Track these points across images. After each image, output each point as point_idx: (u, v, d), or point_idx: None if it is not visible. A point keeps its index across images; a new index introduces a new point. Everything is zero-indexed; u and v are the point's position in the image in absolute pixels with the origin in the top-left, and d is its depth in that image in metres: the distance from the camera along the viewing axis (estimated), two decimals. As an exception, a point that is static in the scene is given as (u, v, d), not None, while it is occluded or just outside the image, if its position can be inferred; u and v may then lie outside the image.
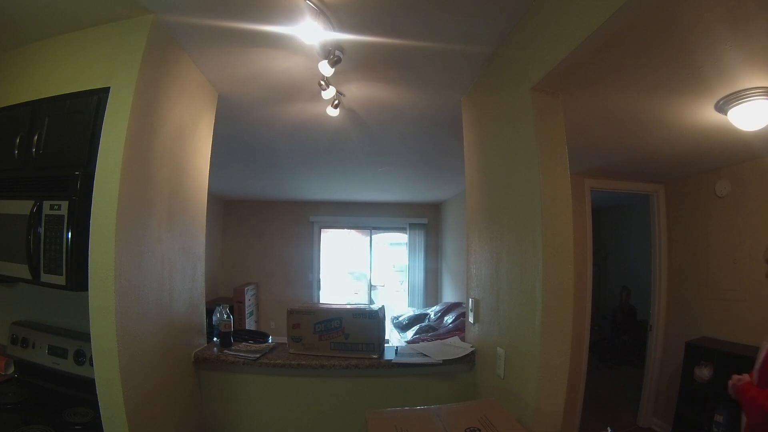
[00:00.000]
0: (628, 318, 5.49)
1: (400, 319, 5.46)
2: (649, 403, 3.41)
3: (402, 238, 7.52)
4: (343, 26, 1.61)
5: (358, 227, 7.54)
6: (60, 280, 1.41)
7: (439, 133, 2.97)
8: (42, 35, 1.66)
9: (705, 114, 1.95)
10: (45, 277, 1.44)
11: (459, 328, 3.78)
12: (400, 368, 1.99)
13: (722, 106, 1.82)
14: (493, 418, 1.29)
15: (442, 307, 5.12)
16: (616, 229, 6.08)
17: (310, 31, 1.58)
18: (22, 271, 1.47)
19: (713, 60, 1.47)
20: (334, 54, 1.74)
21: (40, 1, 1.46)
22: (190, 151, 1.94)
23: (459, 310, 4.64)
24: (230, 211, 7.04)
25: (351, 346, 2.01)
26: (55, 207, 1.43)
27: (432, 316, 5.04)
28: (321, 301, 6.89)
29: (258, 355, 1.97)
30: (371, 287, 7.40)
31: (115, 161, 1.38)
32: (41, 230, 1.44)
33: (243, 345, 2.13)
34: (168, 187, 1.72)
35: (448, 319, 4.58)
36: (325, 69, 1.77)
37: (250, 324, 6.21)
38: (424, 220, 7.26)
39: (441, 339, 2.52)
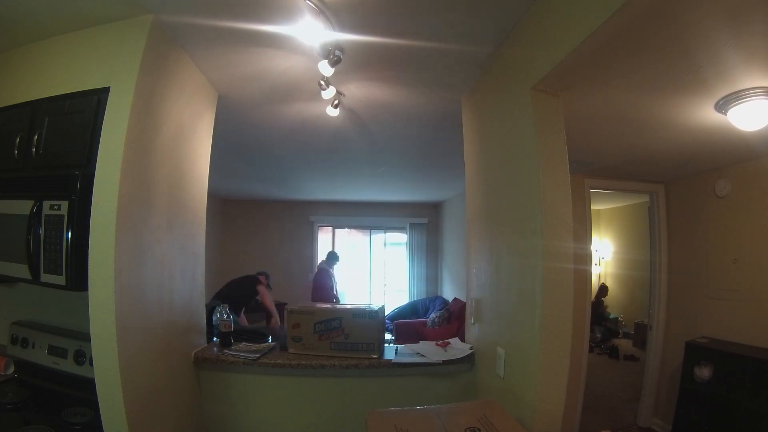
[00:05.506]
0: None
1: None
2: (649, 403, 3.41)
3: (402, 238, 7.52)
4: (343, 26, 1.61)
5: (358, 227, 7.54)
6: (60, 280, 1.41)
7: (439, 133, 2.97)
8: (42, 35, 1.66)
9: (705, 114, 1.94)
10: (45, 277, 1.44)
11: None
12: (400, 368, 1.99)
13: (722, 106, 1.82)
14: (493, 417, 1.29)
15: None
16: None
17: (310, 31, 1.58)
18: (22, 271, 1.47)
19: (713, 60, 1.47)
20: (334, 54, 1.74)
21: (40, 1, 1.46)
22: (190, 151, 1.94)
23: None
24: (230, 210, 7.04)
25: (351, 346, 2.01)
26: (55, 207, 1.42)
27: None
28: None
29: (258, 355, 1.97)
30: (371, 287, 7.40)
31: (115, 161, 1.38)
32: (41, 230, 1.44)
33: (243, 345, 2.13)
34: (168, 187, 1.71)
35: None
36: (325, 69, 1.77)
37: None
38: (424, 220, 7.26)
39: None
